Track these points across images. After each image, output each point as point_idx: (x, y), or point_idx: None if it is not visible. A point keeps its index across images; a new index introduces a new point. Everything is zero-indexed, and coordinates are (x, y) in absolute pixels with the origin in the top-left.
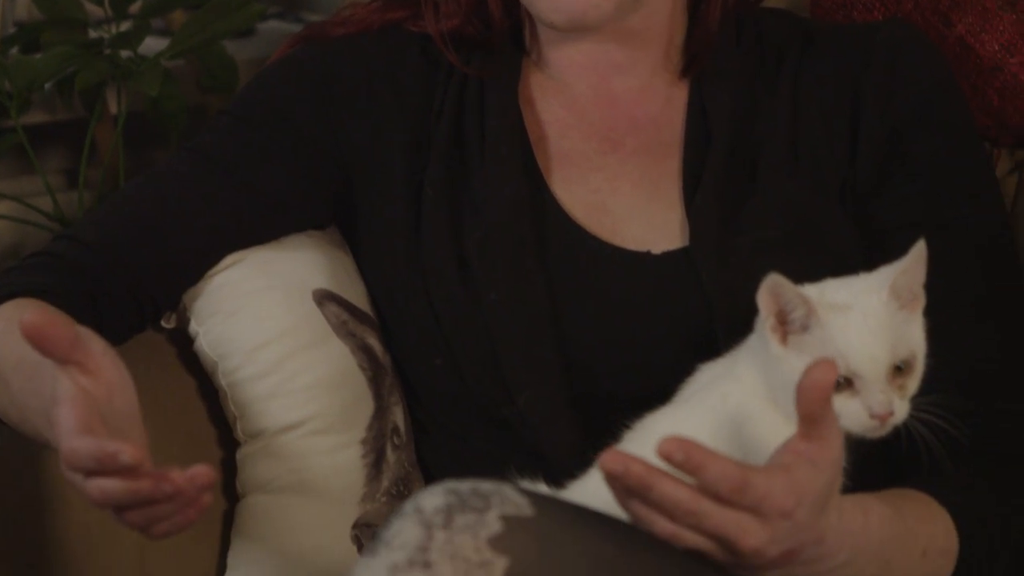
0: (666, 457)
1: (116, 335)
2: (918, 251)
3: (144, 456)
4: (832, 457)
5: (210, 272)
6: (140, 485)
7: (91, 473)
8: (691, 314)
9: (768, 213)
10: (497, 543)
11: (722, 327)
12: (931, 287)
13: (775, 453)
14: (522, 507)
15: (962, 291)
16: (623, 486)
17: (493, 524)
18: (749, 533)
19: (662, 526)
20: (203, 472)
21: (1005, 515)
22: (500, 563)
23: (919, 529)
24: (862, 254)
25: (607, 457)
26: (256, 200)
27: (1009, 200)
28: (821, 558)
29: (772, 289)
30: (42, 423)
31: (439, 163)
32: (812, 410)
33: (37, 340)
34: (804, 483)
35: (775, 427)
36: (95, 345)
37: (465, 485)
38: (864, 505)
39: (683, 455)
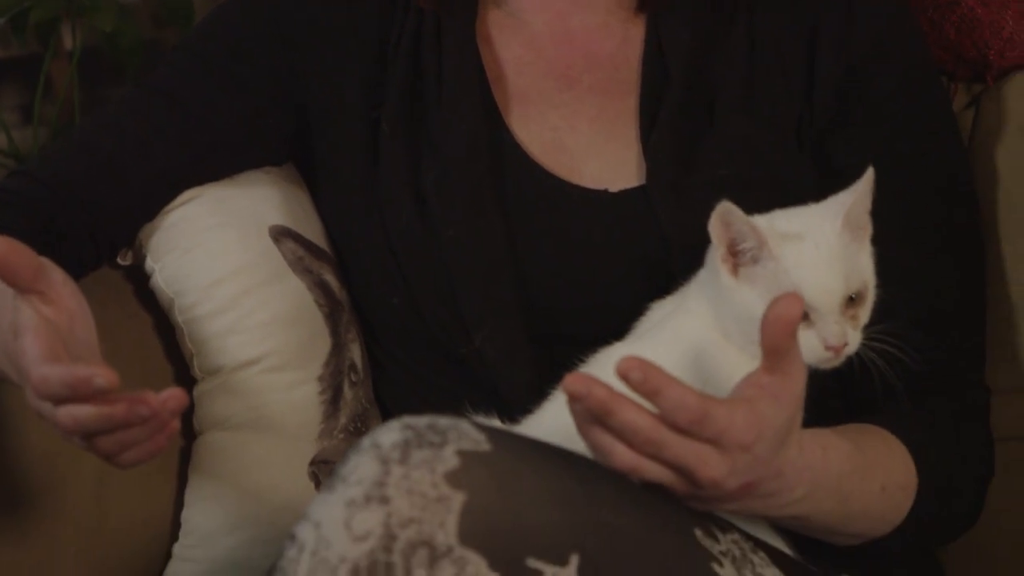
0: (623, 375)
1: (72, 272)
2: (868, 179)
3: (117, 379)
4: (795, 391)
5: (166, 209)
6: (114, 409)
7: (61, 401)
8: (648, 252)
9: (724, 152)
10: (454, 478)
11: (679, 265)
12: (890, 223)
13: (737, 386)
14: (479, 442)
15: (921, 226)
16: (584, 410)
17: (450, 459)
18: (708, 464)
19: (621, 455)
20: (177, 395)
21: (963, 454)
22: (457, 498)
23: (878, 464)
24: (818, 193)
25: (570, 379)
26: (212, 137)
27: (966, 134)
28: (779, 492)
29: (723, 218)
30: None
31: (396, 100)
32: (777, 344)
33: (1, 268)
34: (766, 417)
35: (729, 359)
36: (56, 275)
37: (422, 421)
38: (823, 440)
39: (641, 375)
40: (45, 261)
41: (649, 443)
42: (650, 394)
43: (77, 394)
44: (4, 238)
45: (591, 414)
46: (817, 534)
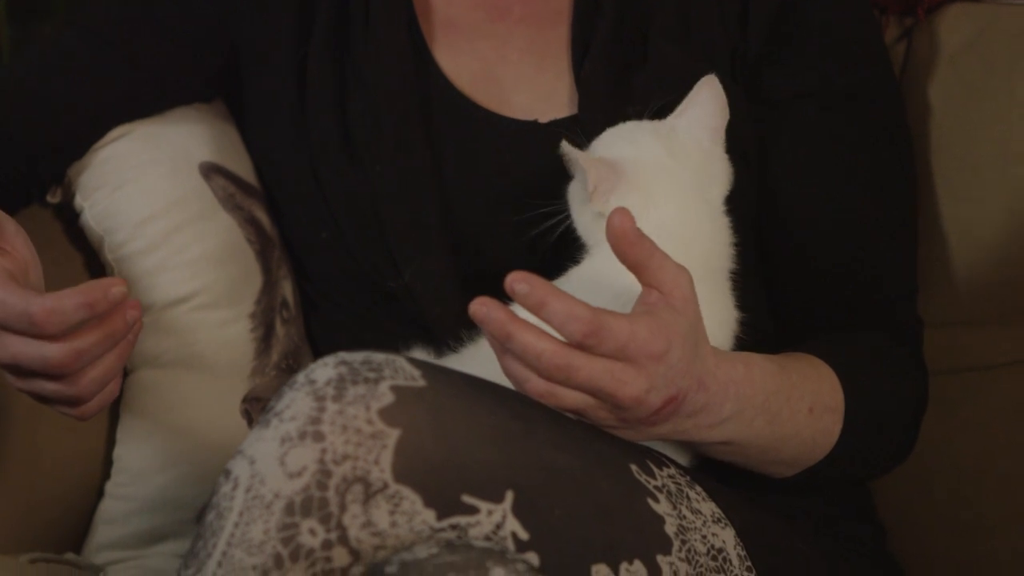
0: (509, 290)
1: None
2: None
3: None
4: (684, 294)
5: (96, 146)
6: (112, 323)
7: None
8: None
9: (658, 82)
10: (389, 414)
11: None
12: (821, 155)
13: (633, 307)
14: (415, 378)
15: (852, 159)
16: (489, 336)
17: (385, 395)
18: (625, 383)
19: (535, 384)
20: (135, 304)
21: (894, 382)
22: (392, 434)
23: (804, 385)
24: (751, 125)
25: (474, 302)
26: (140, 73)
27: (898, 67)
28: (707, 407)
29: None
30: None
31: (323, 36)
32: (633, 258)
33: None
34: (670, 324)
35: None
36: (9, 226)
37: (357, 356)
38: (745, 358)
39: (526, 287)
40: (0, 212)
41: (555, 368)
42: (536, 307)
43: (96, 312)
44: None
45: (496, 340)
46: (751, 462)
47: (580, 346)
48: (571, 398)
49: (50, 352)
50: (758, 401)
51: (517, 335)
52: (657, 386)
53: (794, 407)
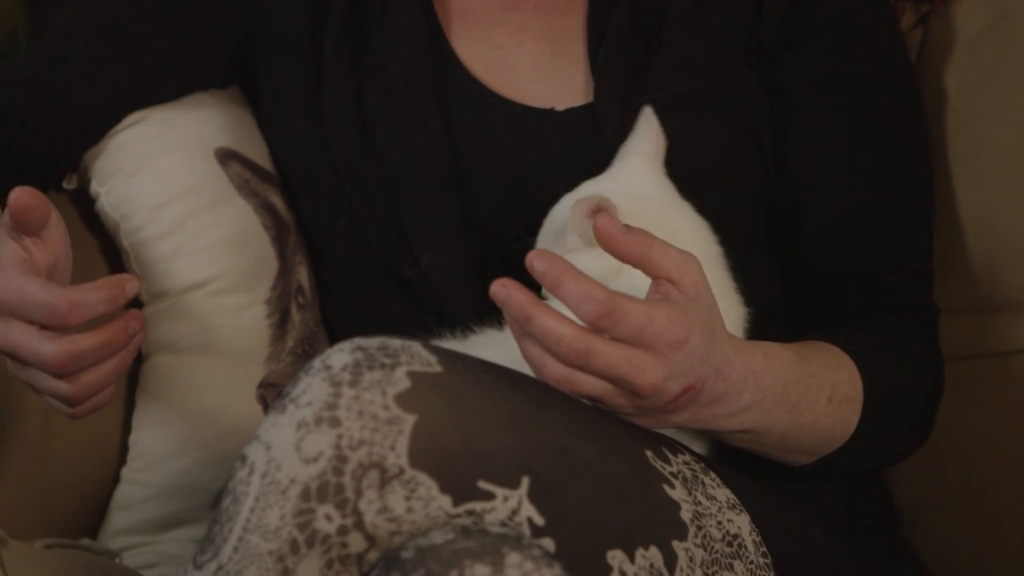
0: (529, 266)
1: None
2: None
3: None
4: (694, 280)
5: (111, 132)
6: (112, 331)
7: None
8: (594, 172)
9: (673, 71)
10: (405, 400)
11: None
12: (838, 143)
13: (647, 295)
14: (431, 364)
15: (869, 147)
16: (509, 318)
17: (401, 381)
18: (643, 370)
19: (552, 368)
20: (136, 315)
21: (910, 368)
22: (409, 420)
23: (823, 375)
24: (767, 112)
25: (495, 283)
26: (155, 59)
27: (914, 54)
28: (725, 396)
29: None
30: None
31: (339, 22)
32: (631, 252)
33: (21, 218)
34: (687, 311)
35: None
36: (52, 215)
37: (373, 342)
38: (764, 347)
39: (544, 264)
40: (46, 201)
41: (574, 353)
42: (553, 285)
43: (116, 307)
44: (28, 189)
45: (514, 321)
46: (770, 451)
47: (595, 328)
48: (588, 384)
49: (46, 350)
50: (777, 391)
51: (537, 318)
52: (675, 374)
53: (813, 397)
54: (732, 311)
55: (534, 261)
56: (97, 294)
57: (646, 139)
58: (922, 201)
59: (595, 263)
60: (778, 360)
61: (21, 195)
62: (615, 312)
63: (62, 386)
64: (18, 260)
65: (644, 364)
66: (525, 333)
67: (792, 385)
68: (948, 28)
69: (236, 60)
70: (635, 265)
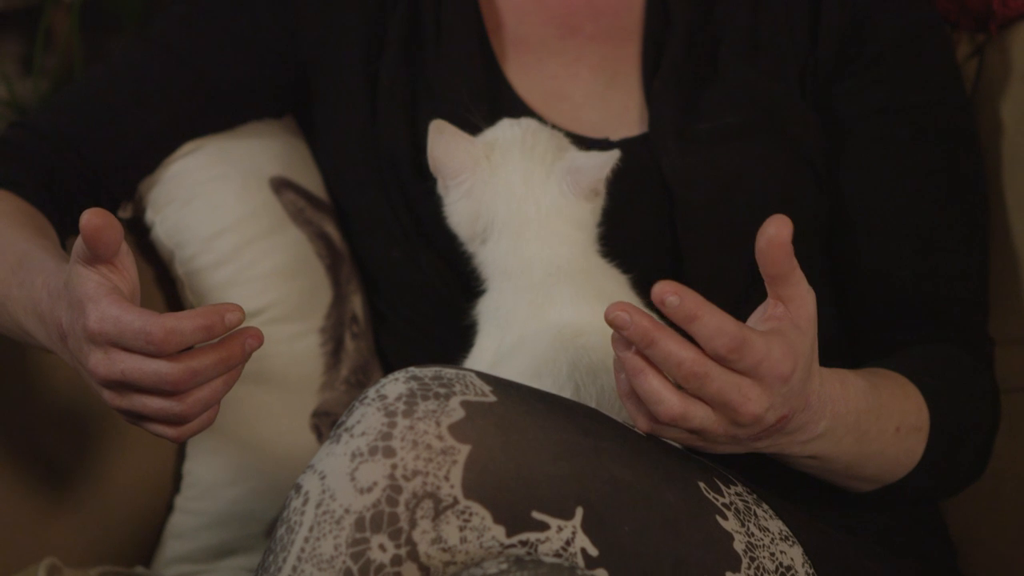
0: (659, 301)
1: (74, 226)
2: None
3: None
4: (810, 314)
5: (167, 161)
6: (230, 348)
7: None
8: (649, 201)
9: (728, 100)
10: (459, 430)
11: (680, 214)
12: (893, 173)
13: (752, 321)
14: (485, 393)
15: (924, 177)
16: (621, 344)
17: (455, 411)
18: (749, 399)
19: (668, 406)
20: (256, 333)
21: (971, 401)
22: (463, 450)
23: (893, 405)
24: (821, 141)
25: (614, 307)
26: (211, 89)
27: (969, 84)
28: (805, 425)
29: None
30: (23, 314)
31: (395, 52)
32: (778, 269)
33: (94, 240)
34: (796, 346)
35: None
36: (123, 245)
37: (428, 371)
38: (841, 376)
39: (677, 299)
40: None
41: (693, 376)
42: (687, 320)
43: (212, 336)
44: (99, 210)
45: (631, 344)
46: (834, 477)
47: (721, 360)
48: (700, 415)
49: (166, 369)
50: (850, 420)
51: (661, 342)
52: (776, 405)
53: (882, 426)
54: None
55: (665, 296)
56: (193, 322)
57: (591, 168)
58: (976, 232)
59: None
60: (852, 389)
61: (92, 217)
62: (744, 346)
63: (174, 405)
64: (108, 290)
65: (752, 394)
66: (639, 370)
67: (864, 415)
68: (1004, 58)
69: (291, 90)
70: (768, 278)
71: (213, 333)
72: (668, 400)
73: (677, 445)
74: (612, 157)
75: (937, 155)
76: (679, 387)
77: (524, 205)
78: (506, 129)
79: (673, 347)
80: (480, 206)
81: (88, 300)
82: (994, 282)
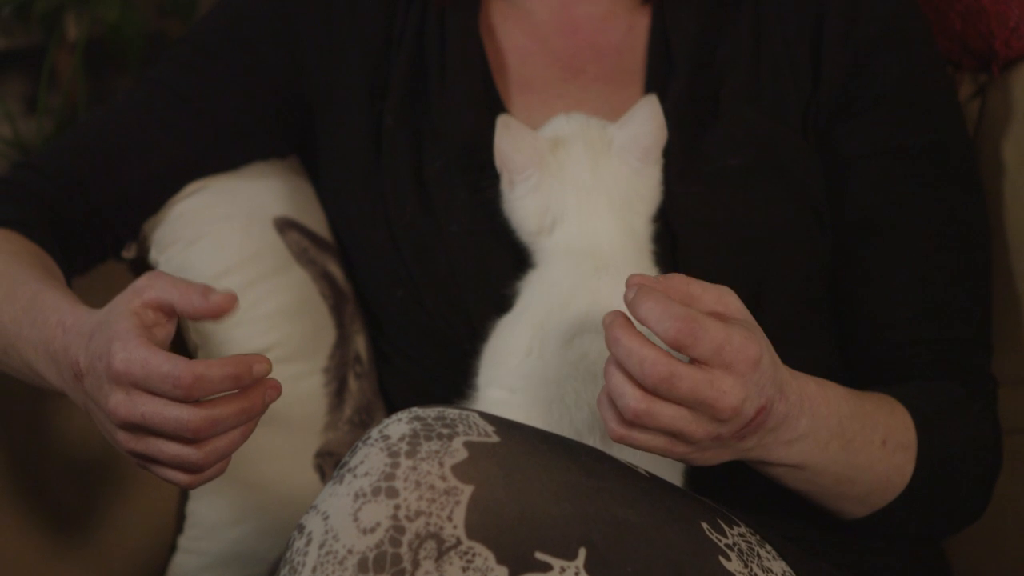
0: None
1: (78, 266)
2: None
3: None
4: (739, 307)
5: (171, 201)
6: (251, 399)
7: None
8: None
9: (730, 141)
10: (462, 470)
11: (683, 255)
12: (895, 213)
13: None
14: (488, 434)
15: (926, 217)
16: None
17: (459, 451)
18: (724, 392)
19: (630, 400)
20: (276, 385)
21: (967, 433)
22: (466, 490)
23: (878, 416)
24: (823, 182)
25: (608, 313)
26: (215, 130)
27: (972, 124)
28: (787, 419)
29: None
30: (34, 355)
31: (399, 92)
32: (677, 294)
33: (208, 314)
34: (755, 331)
35: None
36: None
37: (431, 412)
38: (817, 379)
39: (632, 292)
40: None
41: (658, 377)
42: (634, 304)
43: (240, 386)
44: (233, 296)
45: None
46: (824, 496)
47: (677, 345)
48: (667, 414)
49: (187, 415)
50: (832, 423)
51: (623, 339)
52: (751, 395)
53: (868, 436)
54: None
55: (627, 292)
56: (222, 371)
57: (648, 132)
58: (979, 272)
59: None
60: (831, 391)
61: (229, 302)
62: (696, 329)
63: (192, 453)
64: (139, 332)
65: (724, 386)
66: (606, 366)
67: (847, 420)
68: (1006, 99)
69: (296, 130)
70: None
71: (240, 383)
72: (630, 394)
73: (677, 463)
74: (650, 103)
75: (938, 195)
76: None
77: (594, 195)
78: (564, 125)
79: (634, 344)
80: (549, 200)
81: (117, 339)
82: (996, 322)
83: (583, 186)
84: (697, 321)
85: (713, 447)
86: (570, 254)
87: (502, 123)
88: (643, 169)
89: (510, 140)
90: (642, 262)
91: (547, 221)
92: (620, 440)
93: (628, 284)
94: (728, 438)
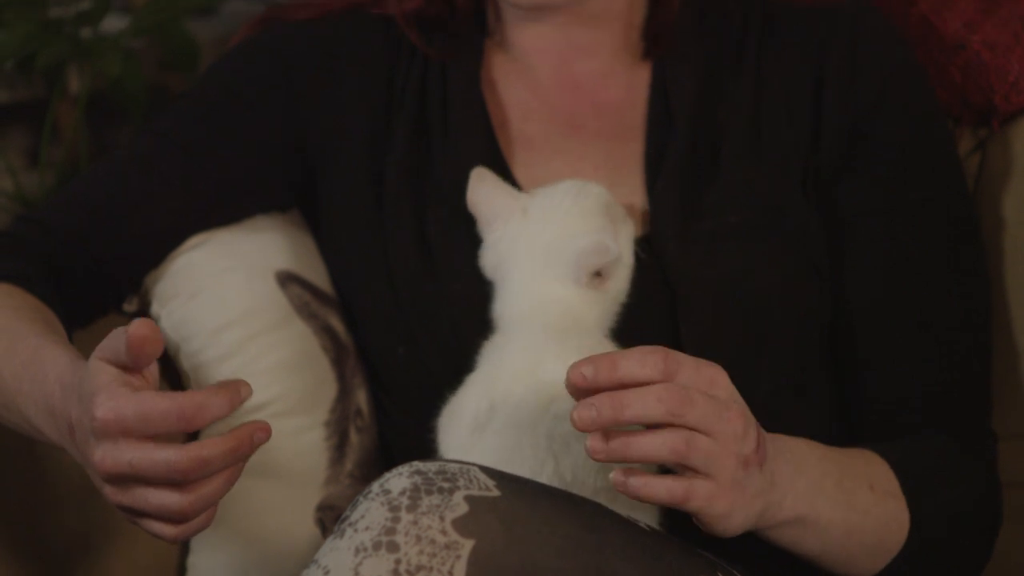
0: (575, 379)
1: (79, 319)
2: None
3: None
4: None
5: (172, 254)
6: (238, 438)
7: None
8: (653, 300)
9: (730, 199)
10: (463, 524)
11: (683, 313)
12: (895, 268)
13: None
14: (489, 488)
15: (926, 272)
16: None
17: (459, 505)
18: (727, 408)
19: (678, 439)
20: (265, 427)
21: (961, 485)
22: (466, 544)
23: (858, 465)
24: (824, 240)
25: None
26: (216, 183)
27: (972, 179)
28: (779, 450)
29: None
30: (33, 410)
31: (401, 148)
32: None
33: (136, 350)
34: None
35: None
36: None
37: (432, 466)
38: (785, 435)
39: (591, 367)
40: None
41: (677, 401)
42: (608, 371)
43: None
44: (147, 321)
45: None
46: (837, 555)
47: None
48: (704, 443)
49: (175, 457)
50: (814, 470)
51: (629, 395)
52: (748, 417)
53: (857, 480)
54: None
55: (579, 369)
56: (219, 399)
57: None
58: (979, 328)
59: None
60: (804, 443)
61: (140, 327)
62: (670, 355)
63: (177, 500)
64: (123, 381)
65: (720, 407)
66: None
67: (831, 462)
68: (1006, 154)
69: (298, 184)
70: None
71: (234, 407)
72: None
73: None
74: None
75: (939, 252)
76: None
77: (536, 271)
78: (556, 191)
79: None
80: (500, 259)
81: (98, 391)
82: (996, 376)
83: (533, 257)
84: (669, 352)
85: (734, 468)
86: (513, 320)
87: (476, 176)
88: (574, 288)
89: (482, 193)
90: (590, 333)
91: (497, 278)
92: (625, 489)
93: (579, 365)
94: (750, 456)
